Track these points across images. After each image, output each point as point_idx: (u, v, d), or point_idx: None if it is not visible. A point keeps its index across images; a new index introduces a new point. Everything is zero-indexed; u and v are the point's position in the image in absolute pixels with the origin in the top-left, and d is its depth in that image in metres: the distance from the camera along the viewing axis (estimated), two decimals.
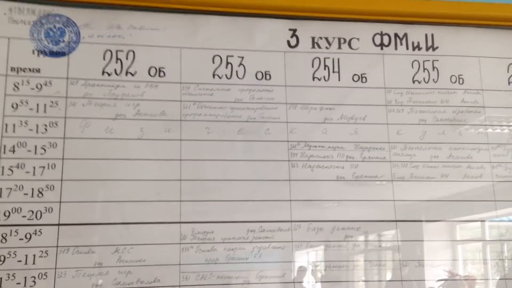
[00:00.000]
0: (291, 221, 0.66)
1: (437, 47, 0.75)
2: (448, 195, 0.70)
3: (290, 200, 0.67)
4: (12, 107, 0.64)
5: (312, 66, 0.72)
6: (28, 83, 0.65)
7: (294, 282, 0.65)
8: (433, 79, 0.74)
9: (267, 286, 0.65)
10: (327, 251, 0.67)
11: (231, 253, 0.65)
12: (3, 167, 0.62)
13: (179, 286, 0.63)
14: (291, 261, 0.66)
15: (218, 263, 0.64)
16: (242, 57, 0.71)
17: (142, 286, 0.62)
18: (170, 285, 0.62)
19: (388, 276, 0.68)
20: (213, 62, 0.71)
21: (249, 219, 0.66)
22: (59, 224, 0.61)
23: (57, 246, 0.61)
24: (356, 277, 0.67)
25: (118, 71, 0.68)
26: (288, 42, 0.73)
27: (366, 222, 0.68)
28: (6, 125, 0.63)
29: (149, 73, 0.69)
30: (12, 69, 0.65)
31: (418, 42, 0.75)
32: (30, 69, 0.66)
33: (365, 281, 0.67)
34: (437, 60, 0.74)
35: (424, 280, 0.67)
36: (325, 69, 0.72)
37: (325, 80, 0.72)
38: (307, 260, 0.66)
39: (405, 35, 0.75)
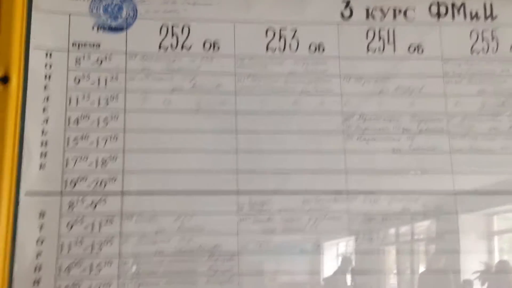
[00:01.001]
0: (347, 193, 0.66)
1: (496, 16, 0.72)
2: (508, 167, 0.68)
3: (346, 172, 0.67)
4: (75, 81, 0.66)
5: (367, 38, 0.71)
6: (89, 57, 0.67)
7: (351, 253, 0.65)
8: (493, 49, 0.72)
9: (324, 256, 0.65)
10: (384, 222, 0.66)
11: (288, 223, 0.65)
12: (68, 138, 0.64)
13: (238, 254, 0.64)
14: (347, 232, 0.66)
15: (275, 233, 0.65)
16: (295, 30, 0.71)
17: (202, 253, 0.63)
18: (229, 253, 0.64)
19: (447, 249, 0.67)
20: (266, 36, 0.71)
21: (305, 189, 0.66)
22: (122, 193, 0.63)
23: (121, 214, 0.63)
24: (415, 249, 0.67)
25: (174, 46, 0.69)
26: (342, 13, 0.72)
27: (424, 195, 0.67)
28: (70, 98, 0.65)
29: (204, 47, 0.69)
30: (73, 44, 0.67)
31: (476, 11, 0.73)
32: (90, 44, 0.68)
33: (424, 253, 0.67)
34: (497, 29, 0.72)
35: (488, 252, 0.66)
36: (379, 40, 0.71)
37: (380, 51, 0.71)
38: (363, 231, 0.66)
39: (463, 4, 0.73)
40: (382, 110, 0.69)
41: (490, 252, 0.68)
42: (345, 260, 0.66)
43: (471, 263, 0.66)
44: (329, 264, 0.66)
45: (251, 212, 0.65)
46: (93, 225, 0.63)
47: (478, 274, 0.66)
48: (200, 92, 0.68)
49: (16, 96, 0.63)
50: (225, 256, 0.64)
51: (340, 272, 0.66)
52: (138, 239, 0.63)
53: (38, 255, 0.61)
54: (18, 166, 0.62)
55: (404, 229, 0.67)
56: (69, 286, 0.60)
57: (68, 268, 0.61)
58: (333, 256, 0.66)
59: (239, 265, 0.64)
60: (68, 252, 0.61)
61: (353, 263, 0.66)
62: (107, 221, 0.63)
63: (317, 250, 0.65)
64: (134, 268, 0.62)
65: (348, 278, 0.65)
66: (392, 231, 0.67)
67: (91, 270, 0.61)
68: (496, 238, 0.68)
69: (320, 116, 0.69)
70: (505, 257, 0.68)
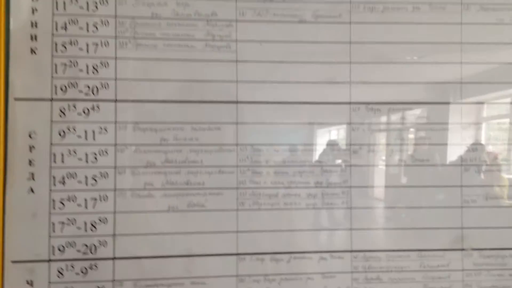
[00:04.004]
0: None
1: None
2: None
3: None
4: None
5: None
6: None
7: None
8: None
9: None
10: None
11: None
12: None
13: (236, 20, 0.63)
14: None
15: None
16: None
17: (199, 18, 0.63)
18: (228, 19, 0.63)
19: (435, 137, 0.66)
20: None
21: None
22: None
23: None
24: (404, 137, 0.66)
25: None
26: None
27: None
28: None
29: None
30: None
31: None
32: None
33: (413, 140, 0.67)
34: None
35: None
36: None
37: None
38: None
39: None
40: None
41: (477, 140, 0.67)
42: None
43: (458, 151, 0.66)
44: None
45: None
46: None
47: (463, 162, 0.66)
48: None
49: None
50: (223, 22, 0.63)
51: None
52: (135, 1, 0.62)
53: (34, 11, 0.60)
54: None
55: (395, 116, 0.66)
56: (66, 42, 0.60)
57: (65, 26, 0.61)
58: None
59: (237, 32, 0.63)
60: (64, 9, 0.60)
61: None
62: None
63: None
64: (131, 29, 0.62)
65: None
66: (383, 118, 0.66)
67: (88, 28, 0.61)
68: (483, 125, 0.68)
69: None
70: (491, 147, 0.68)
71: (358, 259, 0.65)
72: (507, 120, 0.68)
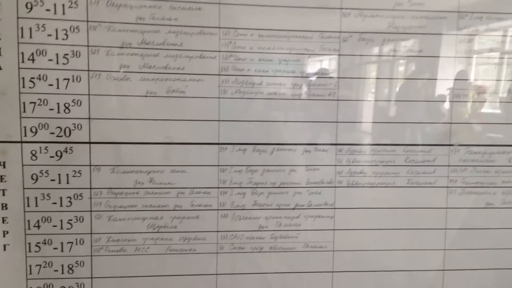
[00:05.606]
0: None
1: None
2: None
3: None
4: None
5: None
6: None
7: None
8: None
9: None
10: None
11: None
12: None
13: None
14: None
15: None
16: None
17: None
18: None
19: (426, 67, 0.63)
20: None
21: None
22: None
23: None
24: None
25: None
26: None
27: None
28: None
29: None
30: None
31: None
32: None
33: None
34: None
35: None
36: None
37: None
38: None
39: None
40: None
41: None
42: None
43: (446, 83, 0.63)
44: None
45: None
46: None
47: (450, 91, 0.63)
48: None
49: None
50: None
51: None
52: None
53: None
54: None
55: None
56: None
57: None
58: None
59: None
60: None
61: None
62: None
63: None
64: None
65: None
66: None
67: None
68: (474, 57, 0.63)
69: None
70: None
71: (342, 152, 0.63)
72: (497, 54, 0.65)
